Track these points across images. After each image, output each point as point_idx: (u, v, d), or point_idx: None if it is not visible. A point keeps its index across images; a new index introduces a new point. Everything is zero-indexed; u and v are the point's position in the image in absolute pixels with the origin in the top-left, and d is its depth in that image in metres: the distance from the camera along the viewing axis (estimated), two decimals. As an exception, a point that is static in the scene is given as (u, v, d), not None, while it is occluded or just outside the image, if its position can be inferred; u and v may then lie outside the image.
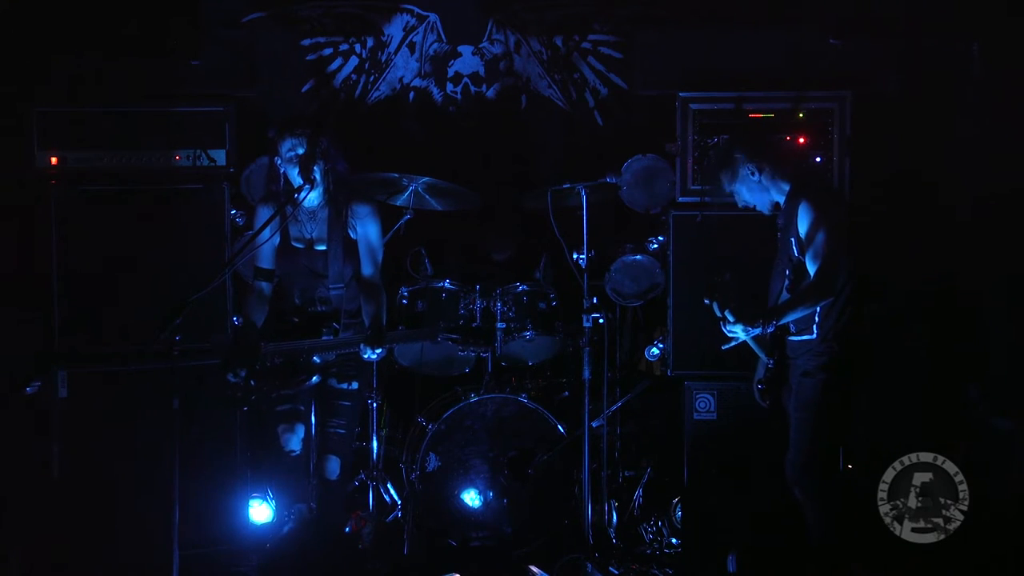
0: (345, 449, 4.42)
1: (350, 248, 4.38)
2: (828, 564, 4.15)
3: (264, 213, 4.34)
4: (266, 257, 4.38)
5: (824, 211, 4.02)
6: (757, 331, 4.02)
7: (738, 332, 4.04)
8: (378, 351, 4.21)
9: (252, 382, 4.14)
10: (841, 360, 4.06)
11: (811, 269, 4.02)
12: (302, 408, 4.38)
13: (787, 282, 4.15)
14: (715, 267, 4.26)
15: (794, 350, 4.19)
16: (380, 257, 4.47)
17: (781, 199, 4.19)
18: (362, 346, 4.20)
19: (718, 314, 4.08)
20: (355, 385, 4.36)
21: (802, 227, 4.05)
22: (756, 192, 4.22)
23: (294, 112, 5.48)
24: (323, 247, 4.36)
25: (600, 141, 5.85)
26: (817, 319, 4.08)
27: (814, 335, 4.10)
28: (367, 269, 4.43)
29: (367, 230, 4.42)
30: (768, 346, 4.23)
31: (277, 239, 4.32)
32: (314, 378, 4.28)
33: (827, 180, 4.75)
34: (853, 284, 4.09)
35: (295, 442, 4.38)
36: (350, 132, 5.52)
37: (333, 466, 4.36)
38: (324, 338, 4.28)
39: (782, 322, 4.04)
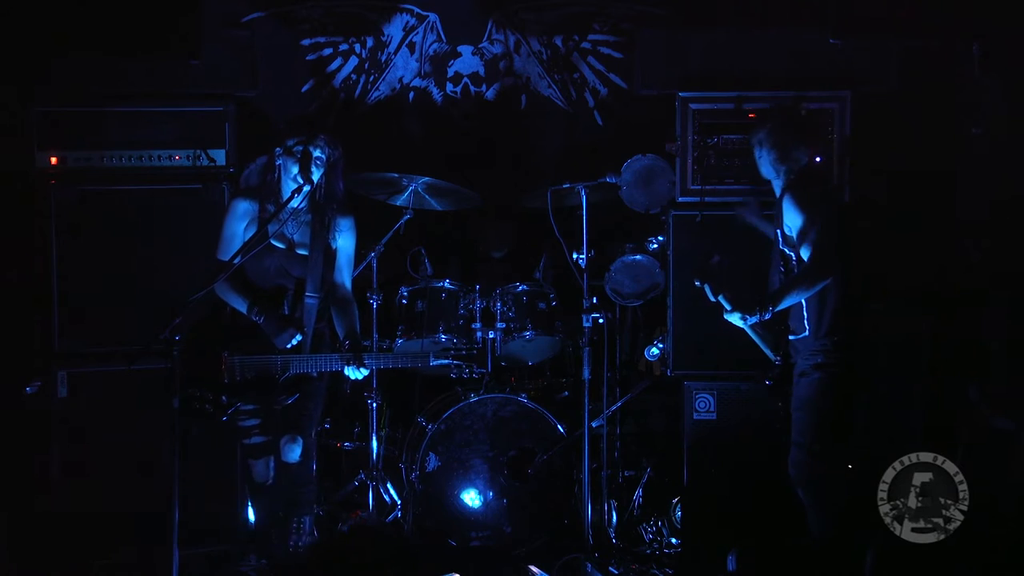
0: (307, 429, 4.33)
1: (330, 258, 4.32)
2: (828, 564, 4.16)
3: (242, 206, 4.26)
4: (235, 251, 4.13)
5: (808, 201, 4.10)
6: (755, 318, 4.12)
7: (736, 320, 4.15)
8: (364, 372, 4.17)
9: (224, 398, 4.10)
10: (836, 359, 4.09)
11: (804, 256, 4.10)
12: (270, 438, 4.31)
13: (779, 272, 4.24)
14: (706, 253, 4.34)
15: (793, 350, 4.23)
16: (354, 269, 4.47)
17: (778, 190, 4.26)
18: (346, 368, 4.14)
19: (711, 298, 4.19)
20: (315, 371, 4.24)
21: (788, 219, 4.15)
22: (766, 168, 4.29)
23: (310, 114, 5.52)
24: (305, 252, 4.27)
25: (600, 141, 5.85)
26: (805, 314, 4.15)
27: (807, 332, 4.14)
28: (346, 280, 4.40)
29: (348, 242, 4.39)
30: (773, 344, 4.27)
31: (253, 231, 4.19)
32: (296, 395, 4.20)
33: (821, 180, 4.67)
34: (843, 280, 4.12)
35: (265, 473, 4.35)
36: (350, 132, 5.52)
37: (295, 447, 4.27)
38: (300, 346, 4.16)
39: (779, 307, 4.11)
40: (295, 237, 4.28)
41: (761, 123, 4.36)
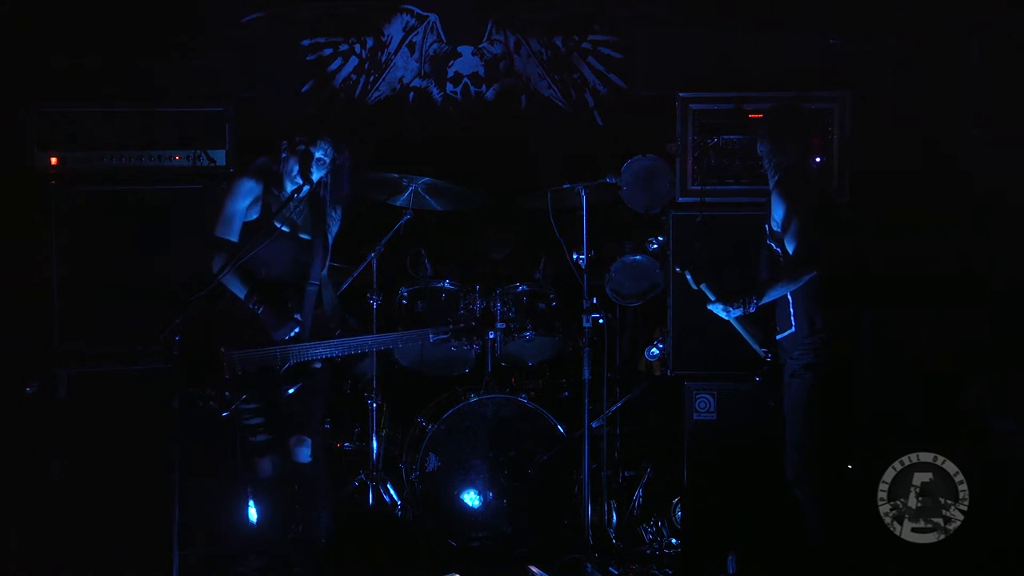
0: (315, 427, 4.33)
1: (326, 245, 4.31)
2: (828, 564, 4.16)
3: (247, 185, 4.23)
4: (236, 230, 4.17)
5: (792, 195, 4.13)
6: (739, 311, 4.14)
7: (719, 311, 4.18)
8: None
9: (227, 394, 4.08)
10: (827, 358, 4.10)
11: (790, 249, 4.12)
12: (274, 437, 4.30)
13: (766, 267, 4.28)
14: (690, 243, 4.40)
15: (781, 348, 4.24)
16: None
17: (771, 185, 4.29)
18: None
19: (693, 286, 4.24)
20: (318, 364, 4.20)
21: (776, 214, 4.17)
22: (766, 162, 4.31)
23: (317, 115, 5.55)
24: (308, 236, 4.26)
25: (600, 141, 5.86)
26: (792, 311, 4.16)
27: (793, 328, 4.16)
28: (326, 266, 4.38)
29: (335, 228, 4.38)
30: (760, 339, 4.28)
31: (255, 215, 4.18)
32: (299, 384, 4.17)
33: (809, 179, 4.57)
34: (831, 277, 4.14)
35: (269, 471, 4.35)
36: (350, 132, 5.52)
37: (304, 448, 4.26)
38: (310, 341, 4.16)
39: (763, 301, 4.13)
40: (299, 221, 4.27)
41: (762, 118, 4.45)
